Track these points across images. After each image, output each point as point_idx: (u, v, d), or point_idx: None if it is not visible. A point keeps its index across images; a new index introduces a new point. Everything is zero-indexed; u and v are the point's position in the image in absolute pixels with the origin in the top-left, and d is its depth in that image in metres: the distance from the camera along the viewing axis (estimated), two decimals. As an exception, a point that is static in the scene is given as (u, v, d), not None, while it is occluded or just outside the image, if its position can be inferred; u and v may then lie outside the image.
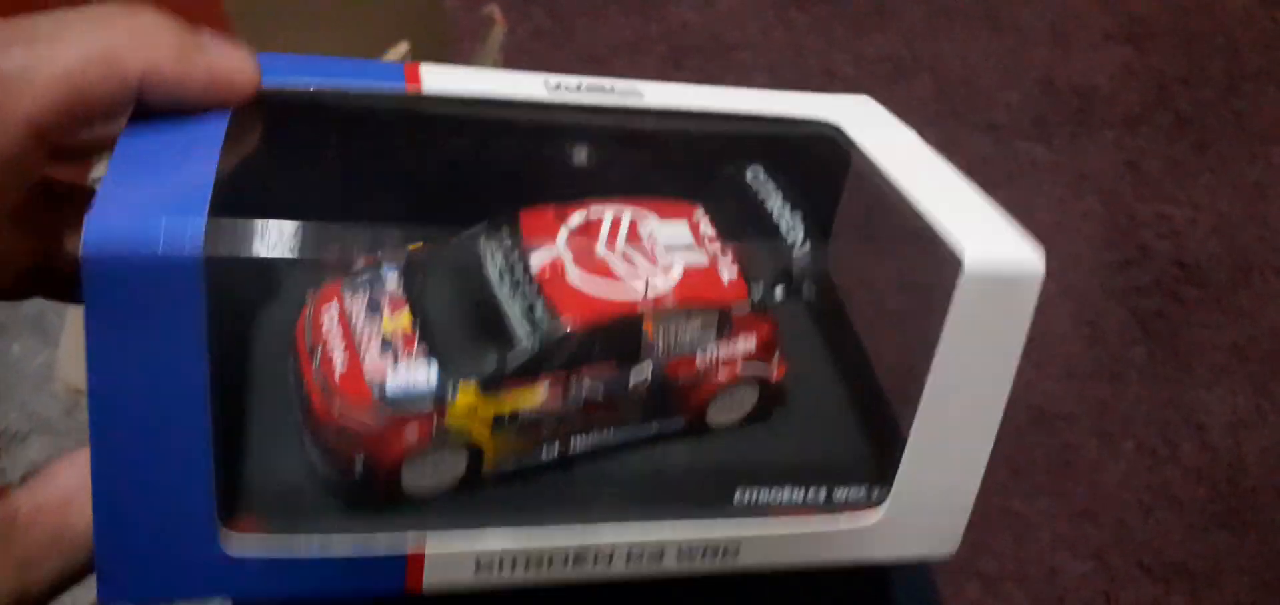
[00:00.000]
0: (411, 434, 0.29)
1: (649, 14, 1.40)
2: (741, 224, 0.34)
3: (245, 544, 0.25)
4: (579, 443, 0.31)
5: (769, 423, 0.34)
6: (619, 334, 0.30)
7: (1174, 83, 1.33)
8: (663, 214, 0.33)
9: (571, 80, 0.32)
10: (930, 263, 0.28)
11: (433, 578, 0.27)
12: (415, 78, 0.30)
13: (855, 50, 1.35)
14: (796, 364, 0.34)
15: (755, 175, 0.35)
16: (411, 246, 0.33)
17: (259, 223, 0.25)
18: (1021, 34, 1.38)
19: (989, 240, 0.27)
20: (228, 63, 0.26)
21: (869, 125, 0.34)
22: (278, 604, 0.28)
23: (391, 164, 0.33)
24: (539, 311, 0.30)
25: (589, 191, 0.33)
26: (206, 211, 0.22)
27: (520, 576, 0.27)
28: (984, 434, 0.29)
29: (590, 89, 0.32)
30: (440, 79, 0.31)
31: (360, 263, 0.32)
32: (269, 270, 0.32)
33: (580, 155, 0.34)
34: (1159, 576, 0.99)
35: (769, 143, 0.35)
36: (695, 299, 0.32)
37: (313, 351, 0.30)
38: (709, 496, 0.31)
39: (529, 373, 0.30)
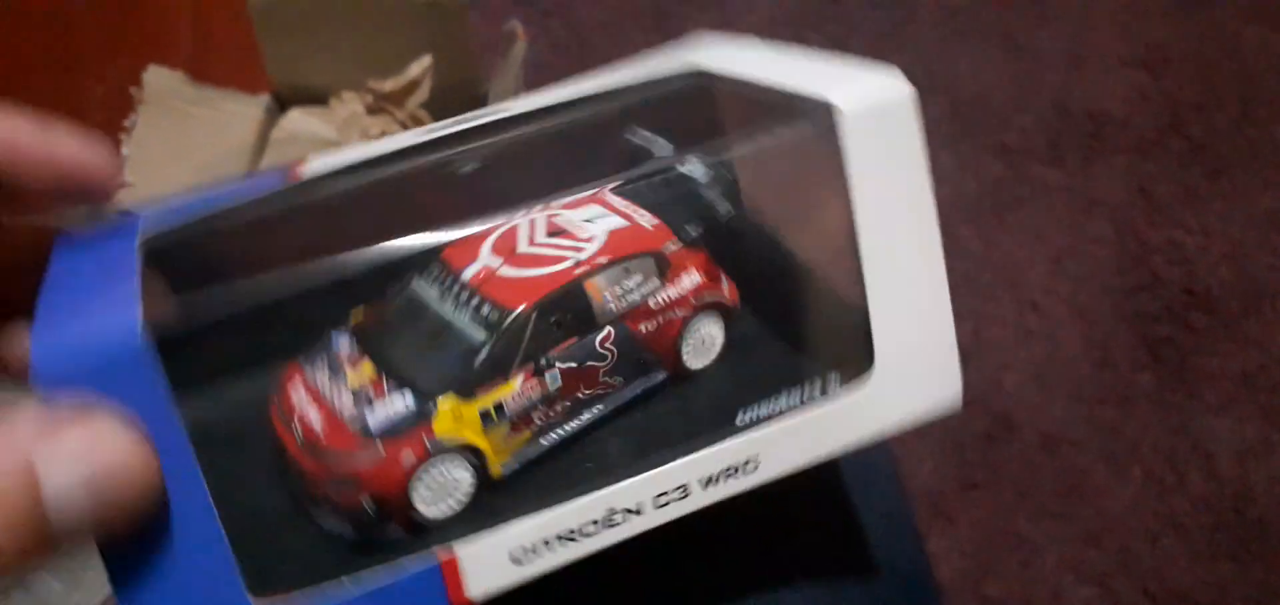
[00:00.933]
0: (407, 455, 0.29)
1: (666, 30, 1.41)
2: (646, 186, 0.36)
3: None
4: (574, 425, 0.32)
5: (741, 350, 0.35)
6: (566, 303, 0.32)
7: (1187, 109, 1.33)
8: (574, 204, 0.34)
9: (440, 124, 0.34)
10: (815, 133, 0.30)
11: (474, 585, 0.27)
12: (295, 174, 0.31)
13: (870, 70, 1.36)
14: (746, 288, 0.36)
15: (638, 134, 0.37)
16: (352, 313, 0.34)
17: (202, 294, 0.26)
18: (1036, 57, 1.39)
19: (851, 86, 0.29)
20: (84, 150, 0.26)
21: (718, 53, 0.36)
22: None
23: (295, 256, 0.33)
24: (485, 311, 0.31)
25: (493, 212, 0.34)
26: (139, 303, 0.23)
27: (558, 557, 0.28)
28: (933, 265, 0.31)
29: (459, 122, 0.33)
30: (318, 164, 0.32)
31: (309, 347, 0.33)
32: (220, 357, 0.33)
33: (473, 180, 0.34)
34: (1164, 604, 0.99)
35: (643, 107, 0.36)
36: (625, 251, 0.33)
37: (289, 426, 0.31)
38: (713, 429, 0.31)
39: (496, 368, 0.31)
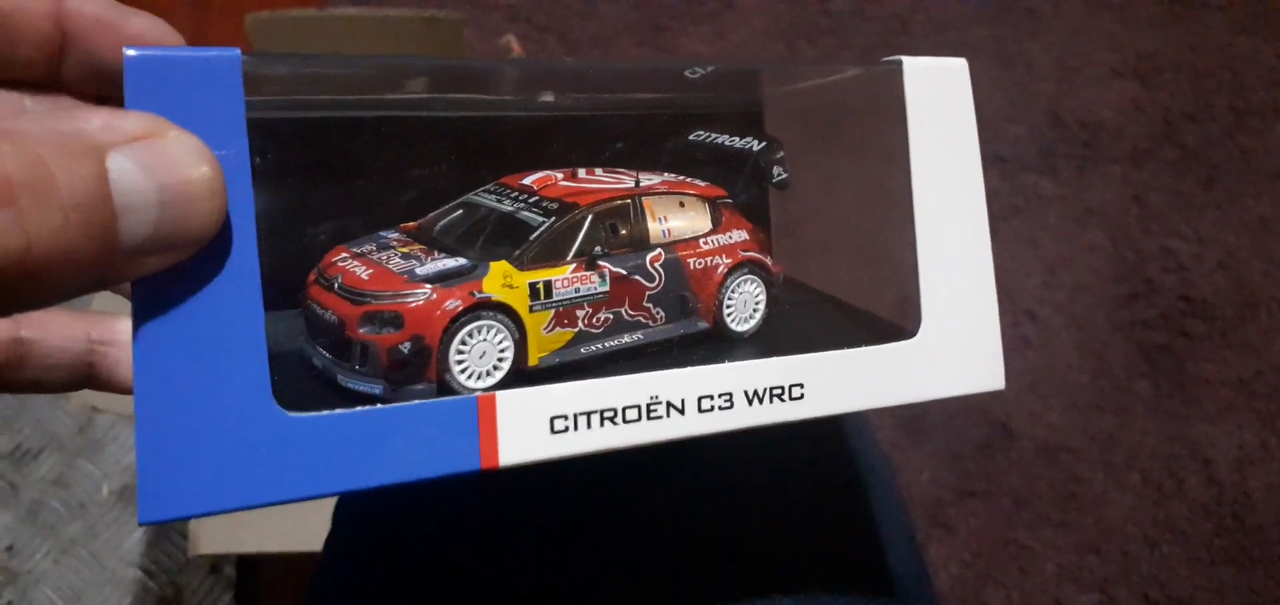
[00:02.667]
0: (453, 301, 0.29)
1: (660, 44, 1.42)
2: (703, 164, 0.37)
3: (307, 419, 0.24)
4: (613, 343, 0.33)
5: (783, 320, 0.36)
6: (624, 213, 0.33)
7: (1180, 118, 1.34)
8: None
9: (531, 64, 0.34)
10: (879, 91, 0.32)
11: (508, 445, 0.26)
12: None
13: (864, 83, 1.36)
14: (795, 259, 0.37)
15: (700, 134, 0.38)
16: (404, 226, 0.33)
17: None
18: (1029, 68, 1.39)
19: (919, 60, 0.32)
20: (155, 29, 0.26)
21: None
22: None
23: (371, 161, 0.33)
24: (546, 204, 0.32)
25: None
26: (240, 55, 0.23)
27: (595, 438, 0.27)
28: (979, 232, 0.33)
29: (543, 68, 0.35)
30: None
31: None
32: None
33: (550, 97, 0.34)
34: (1164, 609, 0.99)
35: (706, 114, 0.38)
36: (681, 190, 0.35)
37: (329, 284, 0.30)
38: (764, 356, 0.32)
39: (551, 250, 0.31)
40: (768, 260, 0.36)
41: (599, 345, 0.33)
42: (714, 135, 0.37)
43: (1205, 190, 1.27)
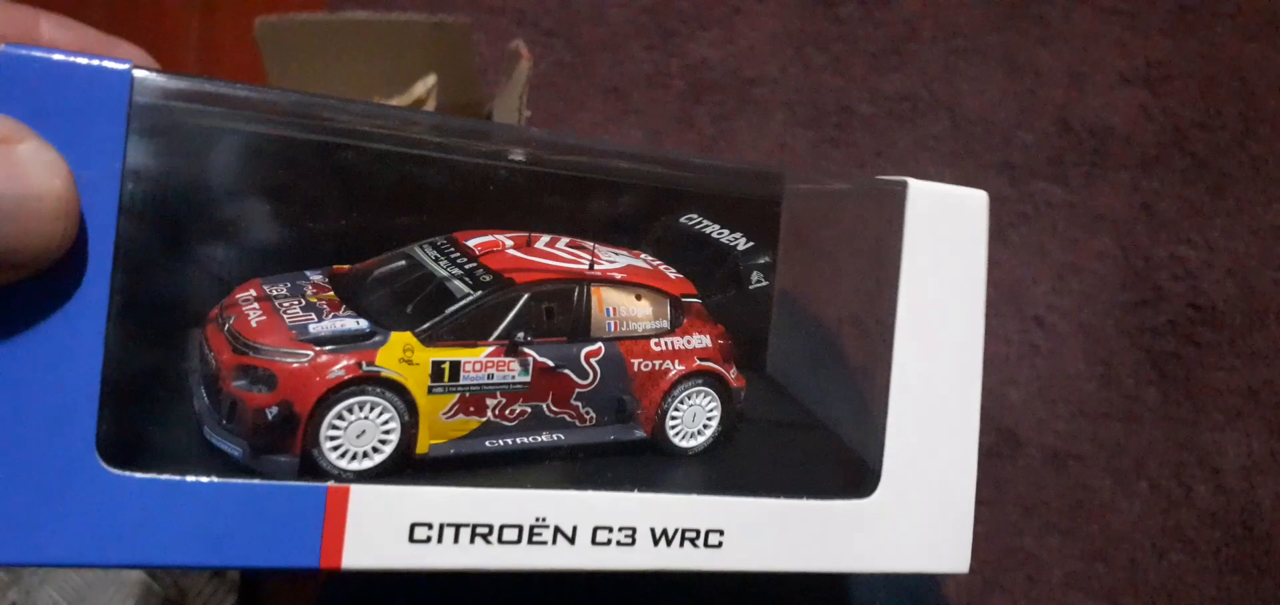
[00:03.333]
0: (336, 368, 0.26)
1: (669, 49, 1.42)
2: (685, 260, 0.33)
3: (130, 480, 0.22)
4: (526, 440, 0.29)
5: (734, 445, 0.32)
6: (566, 298, 0.29)
7: (1190, 126, 1.33)
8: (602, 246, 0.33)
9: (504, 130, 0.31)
10: (882, 209, 0.27)
11: (355, 545, 0.23)
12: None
13: (872, 88, 1.36)
14: (757, 387, 0.33)
15: (691, 219, 0.35)
16: (336, 267, 0.30)
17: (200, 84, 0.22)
18: (1038, 75, 1.39)
19: (928, 185, 0.28)
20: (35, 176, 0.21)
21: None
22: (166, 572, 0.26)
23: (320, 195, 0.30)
24: (480, 274, 0.28)
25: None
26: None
27: (462, 555, 0.24)
28: (968, 403, 0.28)
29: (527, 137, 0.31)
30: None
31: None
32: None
33: (520, 156, 0.31)
34: (1172, 619, 0.99)
35: (704, 195, 0.34)
36: (642, 281, 0.31)
37: (223, 321, 0.27)
38: (685, 486, 0.28)
39: (470, 328, 0.28)
40: (728, 372, 0.32)
41: (508, 440, 0.29)
42: (705, 223, 0.33)
43: (1215, 198, 1.27)
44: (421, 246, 0.30)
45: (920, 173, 1.29)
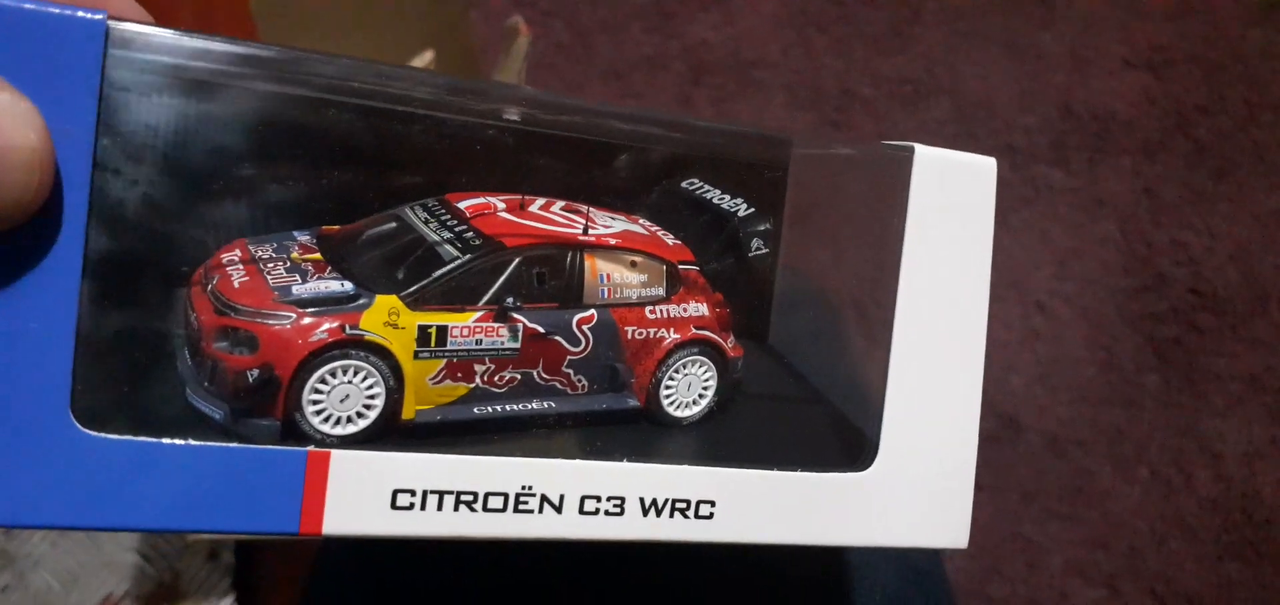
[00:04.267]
0: (319, 331, 0.25)
1: (669, 31, 1.41)
2: (685, 225, 0.33)
3: (104, 441, 0.22)
4: (515, 407, 0.28)
5: (730, 415, 0.31)
6: (559, 263, 0.28)
7: (1193, 111, 1.32)
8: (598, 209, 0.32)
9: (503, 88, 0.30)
10: (888, 174, 0.27)
11: (335, 511, 0.23)
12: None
13: (874, 71, 1.36)
14: (756, 358, 0.32)
15: (692, 184, 0.34)
16: (324, 228, 0.30)
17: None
18: (1041, 59, 1.38)
19: (936, 152, 0.27)
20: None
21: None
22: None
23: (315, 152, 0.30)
24: (470, 236, 0.28)
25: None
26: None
27: (446, 522, 0.24)
28: (971, 373, 0.27)
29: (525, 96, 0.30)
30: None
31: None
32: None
33: (515, 116, 0.30)
34: (1171, 605, 0.99)
35: (707, 159, 0.33)
36: (638, 247, 0.30)
37: (207, 282, 0.27)
38: (677, 456, 0.28)
39: (458, 292, 0.27)
40: (725, 341, 0.31)
41: (497, 407, 0.28)
42: (706, 187, 0.32)
43: (1217, 183, 1.26)
44: (412, 208, 0.29)
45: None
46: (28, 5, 0.20)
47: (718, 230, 0.32)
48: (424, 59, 0.73)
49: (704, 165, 0.32)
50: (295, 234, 0.29)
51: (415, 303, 0.27)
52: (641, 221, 0.32)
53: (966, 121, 1.30)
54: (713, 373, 0.31)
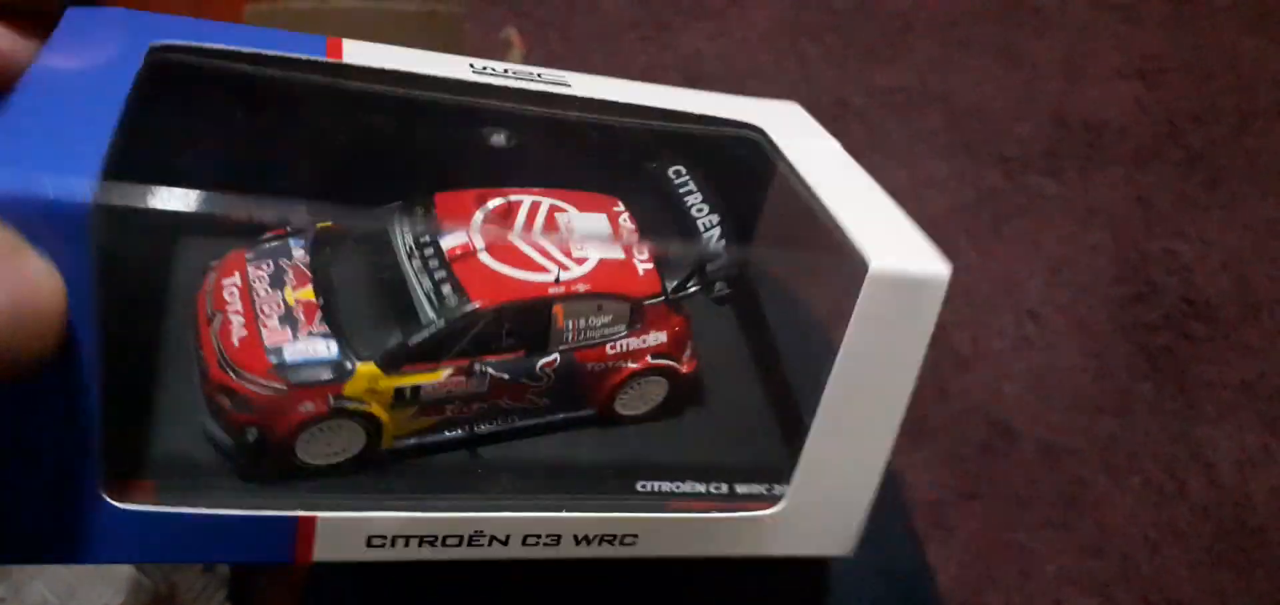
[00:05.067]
0: (308, 406, 0.28)
1: (663, 42, 1.41)
2: (662, 221, 0.34)
3: (130, 505, 0.25)
4: (483, 426, 0.31)
5: (678, 417, 0.34)
6: (527, 318, 0.30)
7: (1185, 119, 1.33)
8: (583, 206, 0.34)
9: (498, 65, 0.32)
10: (842, 267, 0.28)
11: (323, 548, 0.27)
12: (337, 50, 0.30)
13: (867, 81, 1.36)
14: (709, 359, 0.35)
15: (677, 173, 0.35)
16: (320, 225, 0.32)
17: (158, 189, 0.24)
18: (1033, 68, 1.39)
19: (896, 248, 0.28)
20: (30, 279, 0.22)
21: (794, 133, 0.34)
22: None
23: (306, 135, 0.32)
24: (447, 291, 0.30)
25: (510, 179, 0.33)
26: (100, 164, 0.22)
27: (413, 553, 0.28)
28: (883, 435, 0.30)
29: (517, 75, 0.32)
30: (362, 53, 0.31)
31: (267, 235, 0.32)
32: (170, 233, 0.32)
33: (501, 139, 0.33)
34: (1164, 613, 0.99)
35: (693, 142, 0.35)
36: (607, 290, 0.32)
37: (212, 318, 0.30)
38: (612, 486, 0.31)
39: (432, 352, 0.29)
40: (681, 359, 0.34)
41: (464, 429, 0.31)
42: (689, 184, 0.35)
43: (1209, 192, 1.27)
44: (401, 222, 0.31)
45: (915, 166, 1.29)
46: (19, 189, 0.21)
47: (689, 243, 0.34)
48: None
49: (689, 155, 0.35)
50: (292, 246, 0.31)
51: (391, 367, 0.29)
52: (623, 221, 0.34)
53: (959, 130, 1.31)
54: (665, 386, 0.34)
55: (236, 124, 0.31)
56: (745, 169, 0.35)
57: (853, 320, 0.27)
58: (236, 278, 0.31)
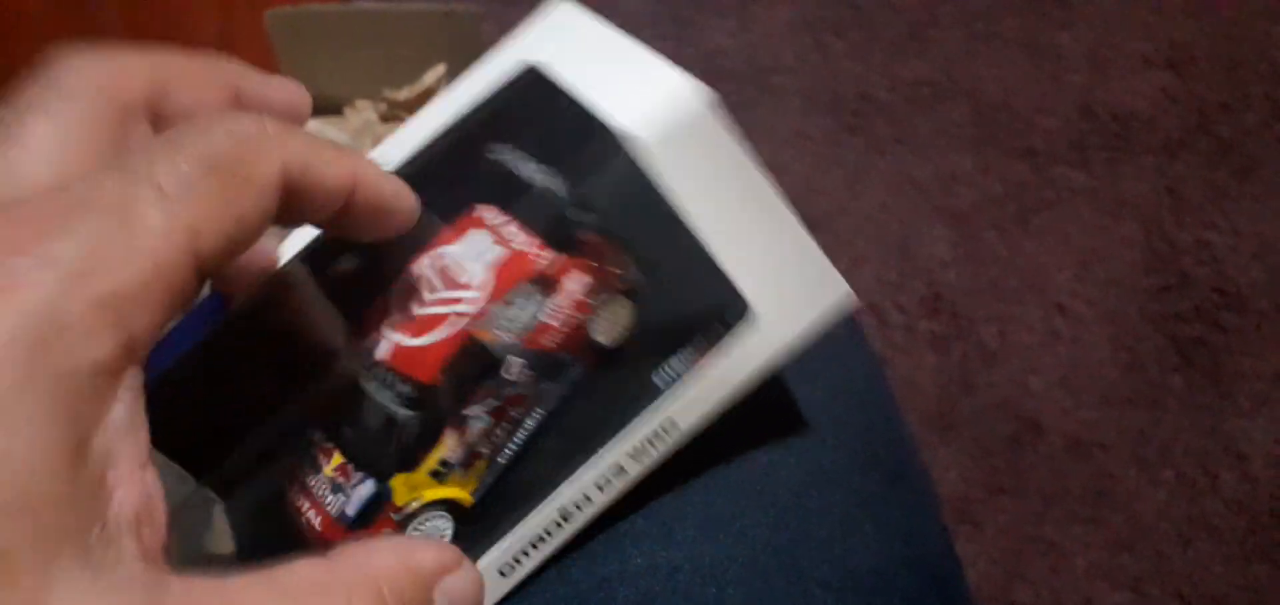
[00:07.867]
0: (384, 534, 0.33)
1: (683, 39, 1.41)
2: (523, 192, 0.36)
3: None
4: (520, 437, 0.34)
5: (648, 314, 0.36)
6: (466, 359, 0.33)
7: (1215, 109, 1.32)
8: (455, 237, 0.35)
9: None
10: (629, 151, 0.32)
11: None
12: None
13: (892, 75, 1.35)
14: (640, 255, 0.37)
15: (497, 151, 0.37)
16: (312, 408, 0.36)
17: None
18: (1060, 59, 1.38)
19: (651, 109, 0.32)
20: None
21: (554, 41, 0.37)
22: None
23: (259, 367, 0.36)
24: (402, 388, 0.33)
25: (383, 276, 0.35)
26: None
27: (537, 559, 0.33)
28: (766, 197, 0.33)
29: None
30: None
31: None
32: None
33: (349, 263, 0.36)
34: (1198, 608, 0.98)
35: (497, 118, 0.37)
36: (505, 287, 0.34)
37: (299, 521, 0.34)
38: (634, 399, 0.34)
39: (428, 435, 0.33)
40: (618, 276, 0.35)
41: (510, 448, 0.34)
42: (517, 158, 0.36)
43: (1240, 181, 1.25)
44: (346, 354, 0.35)
45: (940, 160, 1.28)
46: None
47: (546, 209, 0.36)
48: (436, 74, 0.74)
49: (500, 131, 0.37)
50: (310, 433, 0.35)
51: (410, 466, 0.33)
52: (489, 218, 0.36)
53: (986, 124, 1.30)
54: (625, 303, 0.36)
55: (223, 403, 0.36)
56: (538, 109, 0.37)
57: (660, 165, 0.31)
58: (298, 486, 0.35)
